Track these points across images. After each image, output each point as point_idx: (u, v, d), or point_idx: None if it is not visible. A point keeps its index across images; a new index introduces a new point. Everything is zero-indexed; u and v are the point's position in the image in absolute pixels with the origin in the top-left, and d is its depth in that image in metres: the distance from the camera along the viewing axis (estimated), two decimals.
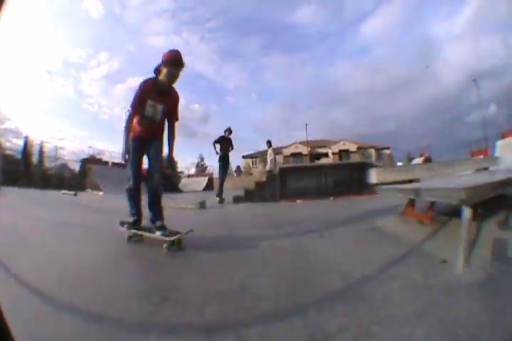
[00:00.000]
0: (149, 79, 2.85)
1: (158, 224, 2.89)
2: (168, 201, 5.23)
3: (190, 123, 62.24)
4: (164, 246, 2.65)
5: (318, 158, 33.89)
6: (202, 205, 6.63)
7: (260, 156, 34.16)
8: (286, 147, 39.79)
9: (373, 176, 6.92)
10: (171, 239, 2.65)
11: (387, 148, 38.80)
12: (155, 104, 2.89)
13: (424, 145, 25.32)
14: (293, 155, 38.51)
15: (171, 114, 3.03)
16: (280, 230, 3.53)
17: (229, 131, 8.86)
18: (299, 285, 1.77)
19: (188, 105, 68.45)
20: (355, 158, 33.70)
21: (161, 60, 2.77)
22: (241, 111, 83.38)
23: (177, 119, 3.08)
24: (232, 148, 8.92)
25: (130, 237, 3.03)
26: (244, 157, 41.19)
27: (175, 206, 6.56)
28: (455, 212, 2.52)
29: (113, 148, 29.15)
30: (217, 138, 8.70)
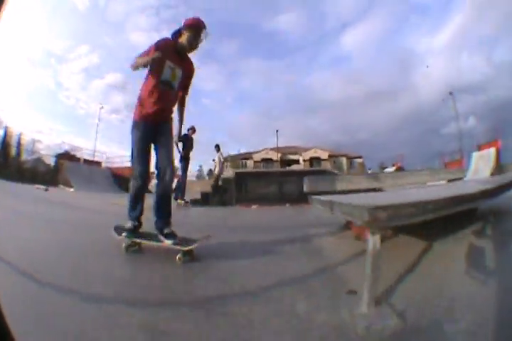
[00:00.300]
0: (168, 38, 2.54)
1: (167, 231, 2.48)
2: (120, 199, 5.80)
3: None
4: (178, 256, 2.30)
5: (289, 165, 34.02)
6: None
7: (230, 160, 33.79)
8: (256, 152, 39.86)
9: (305, 185, 6.73)
10: (189, 248, 2.32)
11: (360, 157, 39.60)
12: (174, 67, 2.53)
13: (395, 155, 26.07)
14: (263, 160, 38.64)
15: (185, 85, 2.73)
16: (219, 234, 3.31)
17: (192, 129, 8.47)
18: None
19: None
20: (325, 166, 33.59)
21: (182, 25, 2.50)
22: (216, 114, 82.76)
23: (187, 94, 2.81)
24: (192, 149, 8.54)
25: (129, 246, 2.53)
26: (214, 160, 39.97)
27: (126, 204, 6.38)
28: (411, 228, 2.28)
29: (86, 144, 28.43)
30: (181, 136, 7.96)
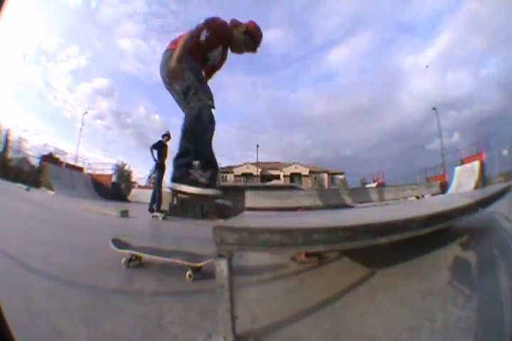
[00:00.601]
0: (225, 23, 2.53)
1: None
2: (94, 206, 6.29)
3: (149, 133, 60.26)
4: (188, 273, 2.07)
5: (269, 180, 33.69)
6: (123, 214, 6.50)
7: None
8: (237, 167, 39.82)
9: (247, 200, 6.66)
10: (199, 265, 2.07)
11: (341, 173, 39.84)
12: (217, 54, 2.62)
13: (378, 171, 26.39)
14: (244, 175, 38.36)
15: (213, 70, 2.82)
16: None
17: (167, 136, 8.03)
18: None
19: (148, 115, 66.21)
20: (306, 182, 34.94)
21: (247, 25, 2.55)
22: None
23: (210, 78, 2.84)
24: (167, 157, 7.99)
25: (129, 261, 2.31)
26: None
27: (97, 210, 6.77)
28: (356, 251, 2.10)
29: (70, 148, 28.01)
30: (155, 142, 7.88)
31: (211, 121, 2.29)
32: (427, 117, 25.33)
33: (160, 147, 7.82)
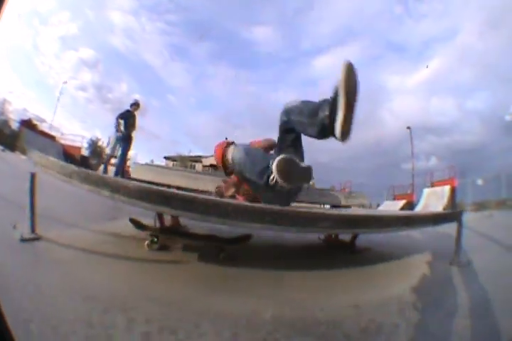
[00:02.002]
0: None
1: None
2: None
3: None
4: (222, 255, 1.85)
5: None
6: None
7: (180, 160, 33.28)
8: (206, 157, 38.68)
9: None
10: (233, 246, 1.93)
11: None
12: None
13: (346, 180, 26.00)
14: (212, 166, 37.53)
15: None
16: None
17: (136, 105, 7.30)
18: None
19: (130, 93, 64.31)
20: None
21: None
22: (178, 111, 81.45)
23: None
24: (135, 128, 7.28)
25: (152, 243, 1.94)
26: (166, 158, 37.91)
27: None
28: None
29: (48, 115, 27.15)
30: (122, 111, 7.12)
31: None
32: (405, 137, 25.20)
33: (128, 117, 7.05)
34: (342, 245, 2.41)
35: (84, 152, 19.27)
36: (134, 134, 7.26)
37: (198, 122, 74.33)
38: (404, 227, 1.72)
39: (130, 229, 2.08)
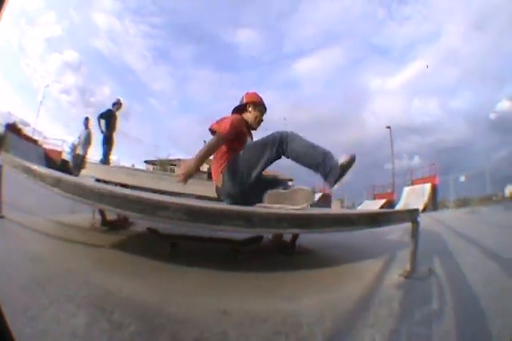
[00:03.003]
0: (238, 116, 2.46)
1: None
2: None
3: None
4: (239, 257, 1.81)
5: None
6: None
7: (159, 164, 32.77)
8: (185, 160, 37.73)
9: None
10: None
11: (291, 180, 39.41)
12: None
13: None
14: None
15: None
16: None
17: (119, 104, 6.85)
18: None
19: (112, 96, 63.20)
20: None
21: (246, 101, 2.54)
22: (160, 115, 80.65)
23: None
24: (115, 129, 6.87)
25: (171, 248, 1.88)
26: (146, 162, 36.62)
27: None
28: None
29: (32, 119, 26.59)
30: (103, 111, 6.68)
31: None
32: (388, 138, 24.82)
33: (109, 117, 6.62)
34: (285, 246, 2.28)
35: (66, 156, 18.97)
36: (115, 136, 6.86)
37: (179, 125, 73.68)
38: (337, 228, 1.35)
39: (87, 221, 2.29)
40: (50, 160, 17.50)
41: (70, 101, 60.50)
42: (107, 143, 6.67)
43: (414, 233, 1.59)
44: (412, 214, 1.63)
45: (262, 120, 2.61)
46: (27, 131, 22.18)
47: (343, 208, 22.13)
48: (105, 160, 6.67)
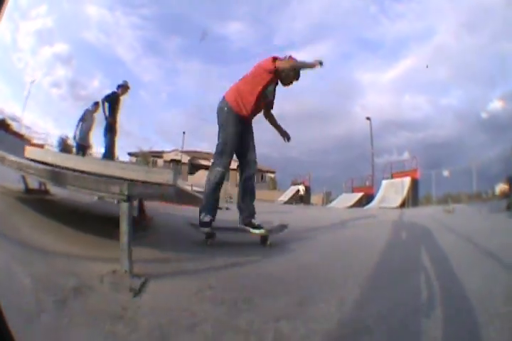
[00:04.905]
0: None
1: (255, 223, 2.67)
2: None
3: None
4: (268, 243, 2.62)
5: (198, 169, 32.27)
6: None
7: (141, 155, 32.76)
8: (168, 152, 37.75)
9: None
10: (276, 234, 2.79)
11: (273, 172, 39.45)
12: (273, 88, 2.89)
13: (306, 173, 25.89)
14: (172, 161, 36.36)
15: (271, 102, 3.01)
16: None
17: (125, 87, 5.84)
18: None
19: (102, 89, 60.72)
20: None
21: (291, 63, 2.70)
22: (148, 107, 78.82)
23: (272, 108, 3.06)
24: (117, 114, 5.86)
25: (208, 238, 2.47)
26: (130, 154, 35.88)
27: None
28: None
29: (21, 113, 26.31)
30: (108, 94, 5.67)
31: (221, 182, 2.64)
32: (378, 133, 24.03)
33: (113, 101, 5.62)
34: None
35: (55, 150, 18.85)
36: (119, 122, 5.89)
37: (167, 117, 72.51)
38: None
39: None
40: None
41: (60, 94, 57.95)
42: (112, 131, 5.70)
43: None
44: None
45: (291, 83, 2.82)
46: (16, 126, 22.65)
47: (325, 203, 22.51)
48: (108, 153, 5.69)
